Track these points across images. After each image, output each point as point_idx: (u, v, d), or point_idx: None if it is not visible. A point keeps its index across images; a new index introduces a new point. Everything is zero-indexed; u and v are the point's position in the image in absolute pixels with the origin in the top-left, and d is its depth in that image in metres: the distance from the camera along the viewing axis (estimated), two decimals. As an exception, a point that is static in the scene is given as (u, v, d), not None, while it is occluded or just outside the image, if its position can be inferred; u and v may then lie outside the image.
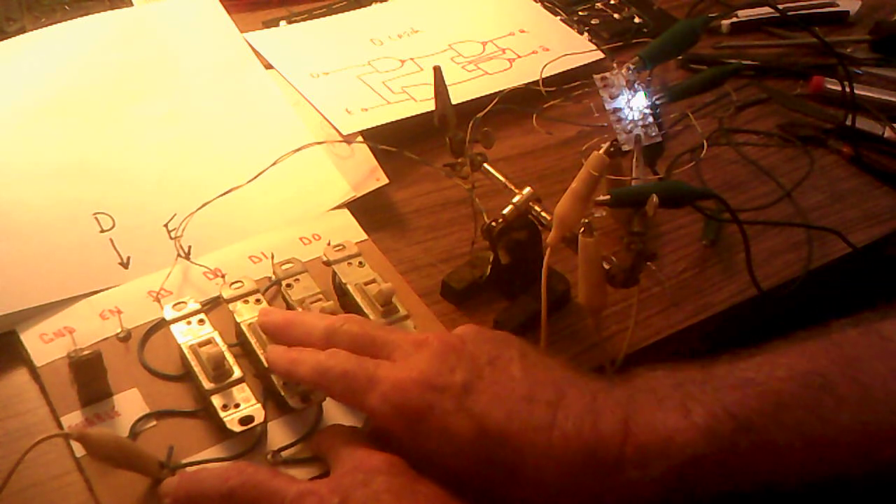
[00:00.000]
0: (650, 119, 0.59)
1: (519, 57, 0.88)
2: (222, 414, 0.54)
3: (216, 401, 0.54)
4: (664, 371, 0.47)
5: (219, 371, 0.55)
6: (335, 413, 0.56)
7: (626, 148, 0.59)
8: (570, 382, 0.47)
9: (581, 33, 0.93)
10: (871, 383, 0.43)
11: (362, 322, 0.54)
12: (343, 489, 0.46)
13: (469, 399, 0.46)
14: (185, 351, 0.57)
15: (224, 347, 0.56)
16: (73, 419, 0.55)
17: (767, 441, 0.43)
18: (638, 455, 0.44)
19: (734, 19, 0.96)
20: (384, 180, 0.72)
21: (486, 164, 0.65)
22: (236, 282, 0.61)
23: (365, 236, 0.69)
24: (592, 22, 0.95)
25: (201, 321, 0.59)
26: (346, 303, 0.62)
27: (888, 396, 0.43)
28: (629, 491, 0.44)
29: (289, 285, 0.61)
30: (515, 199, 0.62)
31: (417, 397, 0.46)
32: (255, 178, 0.67)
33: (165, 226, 0.67)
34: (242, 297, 0.60)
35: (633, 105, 0.59)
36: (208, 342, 0.57)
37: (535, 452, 0.45)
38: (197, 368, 0.55)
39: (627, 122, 0.59)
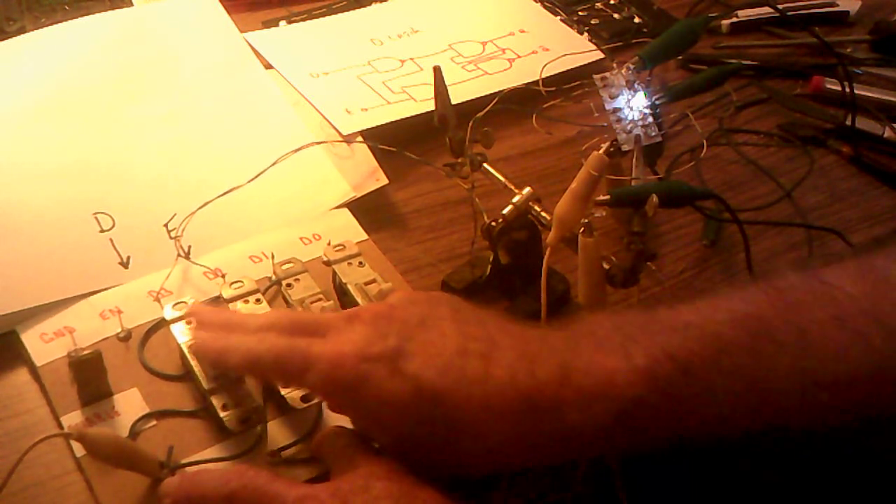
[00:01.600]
0: (650, 119, 0.59)
1: (519, 57, 0.88)
2: (222, 414, 0.54)
3: (216, 401, 0.54)
4: (604, 315, 0.47)
5: (219, 371, 0.55)
6: (335, 413, 0.56)
7: (626, 148, 0.59)
8: (503, 332, 0.47)
9: (581, 33, 0.93)
10: (810, 329, 0.43)
11: (295, 312, 0.54)
12: (342, 494, 0.46)
13: (402, 362, 0.46)
14: (186, 351, 0.56)
15: (224, 347, 0.56)
16: (73, 419, 0.55)
17: (707, 384, 0.42)
18: (577, 398, 0.43)
19: (734, 19, 0.96)
20: (384, 181, 0.72)
21: (486, 164, 0.65)
22: (236, 281, 0.61)
23: (365, 236, 0.69)
24: (592, 22, 0.95)
25: (201, 321, 0.59)
26: (347, 303, 0.62)
27: (826, 343, 0.42)
28: (571, 434, 0.44)
29: (289, 285, 0.61)
30: (515, 199, 0.62)
31: (353, 369, 0.46)
32: (256, 178, 0.67)
33: (165, 226, 0.67)
34: (242, 296, 0.60)
35: (633, 105, 0.59)
36: (208, 342, 0.57)
37: (472, 405, 0.44)
38: (197, 368, 0.55)
39: (627, 122, 0.59)
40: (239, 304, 0.59)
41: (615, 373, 0.43)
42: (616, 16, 0.97)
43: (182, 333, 0.57)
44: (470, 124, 0.64)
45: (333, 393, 0.48)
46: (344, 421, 0.55)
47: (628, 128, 0.59)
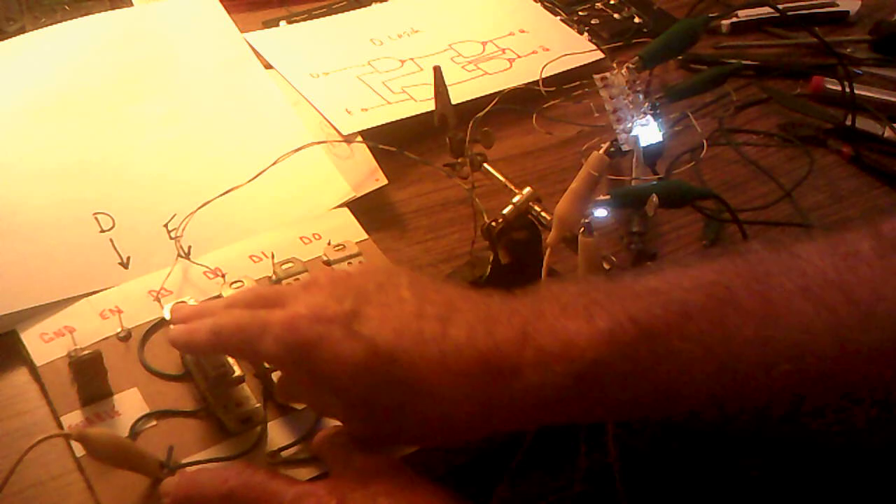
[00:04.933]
0: (650, 119, 0.59)
1: (519, 57, 0.88)
2: (222, 414, 0.54)
3: (216, 401, 0.54)
4: (570, 282, 0.47)
5: (219, 371, 0.55)
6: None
7: (626, 148, 0.59)
8: (463, 297, 0.47)
9: (581, 33, 0.93)
10: (776, 299, 0.42)
11: (259, 287, 0.55)
12: (341, 491, 0.46)
13: (357, 323, 0.46)
14: (185, 351, 0.57)
15: (224, 347, 0.56)
16: (73, 419, 0.55)
17: (669, 349, 0.42)
18: (537, 358, 0.43)
19: (734, 19, 0.96)
20: (383, 181, 0.72)
21: (486, 164, 0.65)
22: (236, 281, 0.61)
23: (365, 236, 0.69)
24: (592, 22, 0.95)
25: (201, 321, 0.59)
26: (346, 303, 0.62)
27: (791, 313, 0.42)
28: (529, 396, 0.43)
29: (289, 285, 0.61)
30: (515, 199, 0.62)
31: (307, 330, 0.46)
32: (255, 177, 0.67)
33: (165, 226, 0.67)
34: (242, 296, 0.60)
35: (633, 105, 0.59)
36: (208, 342, 0.57)
37: (428, 365, 0.44)
38: (197, 368, 0.56)
39: (627, 122, 0.59)
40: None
41: (577, 335, 0.43)
42: (616, 16, 0.97)
43: (182, 333, 0.58)
44: (470, 124, 0.64)
45: (289, 357, 0.47)
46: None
47: (628, 128, 0.59)
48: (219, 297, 0.61)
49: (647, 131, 0.59)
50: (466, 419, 0.45)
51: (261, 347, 0.48)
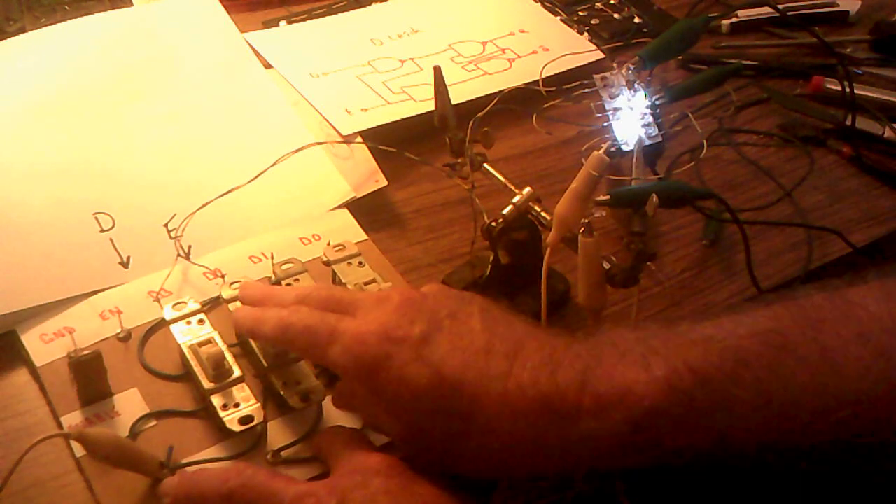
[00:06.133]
0: (650, 119, 0.59)
1: (519, 57, 0.88)
2: (222, 414, 0.54)
3: (216, 401, 0.54)
4: (627, 328, 0.47)
5: (218, 371, 0.55)
6: (335, 413, 0.56)
7: (626, 148, 0.59)
8: (531, 336, 0.47)
9: (581, 33, 0.93)
10: (832, 345, 0.43)
11: (331, 287, 0.55)
12: (341, 490, 0.46)
13: (427, 349, 0.46)
14: (185, 351, 0.57)
15: (224, 347, 0.56)
16: (73, 419, 0.55)
17: (725, 397, 0.43)
18: (595, 405, 0.43)
19: (734, 19, 0.96)
20: (383, 182, 0.72)
21: (486, 164, 0.65)
22: (236, 282, 0.61)
23: (365, 236, 0.69)
24: (592, 22, 0.95)
25: (201, 321, 0.59)
26: (346, 303, 0.62)
27: (848, 360, 0.42)
28: (586, 442, 0.44)
29: (289, 285, 0.61)
30: (515, 199, 0.62)
31: (376, 347, 0.47)
32: (256, 178, 0.67)
33: (165, 226, 0.67)
34: (242, 297, 0.60)
35: (633, 105, 0.59)
36: (208, 342, 0.57)
37: (490, 401, 0.45)
38: (197, 368, 0.56)
39: (627, 122, 0.59)
40: (239, 305, 0.59)
41: (634, 382, 0.43)
42: (616, 16, 0.97)
43: (182, 333, 0.58)
44: (470, 124, 0.64)
45: (354, 370, 0.48)
46: (344, 421, 0.55)
47: (628, 128, 0.59)
48: (218, 297, 0.61)
49: (647, 131, 0.59)
50: (520, 458, 0.46)
51: (327, 354, 0.49)
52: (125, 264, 0.65)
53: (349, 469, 0.48)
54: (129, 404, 0.56)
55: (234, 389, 0.55)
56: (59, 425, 0.54)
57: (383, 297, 0.50)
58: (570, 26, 0.94)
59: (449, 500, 0.46)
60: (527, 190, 0.62)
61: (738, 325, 0.44)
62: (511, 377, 0.45)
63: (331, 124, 0.77)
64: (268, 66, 0.83)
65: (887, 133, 0.81)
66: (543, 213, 0.61)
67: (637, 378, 0.43)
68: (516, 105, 0.71)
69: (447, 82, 0.66)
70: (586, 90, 0.66)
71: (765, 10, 0.96)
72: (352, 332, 0.48)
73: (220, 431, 0.54)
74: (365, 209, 0.71)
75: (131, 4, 0.88)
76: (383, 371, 0.46)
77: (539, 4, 0.97)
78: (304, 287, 0.57)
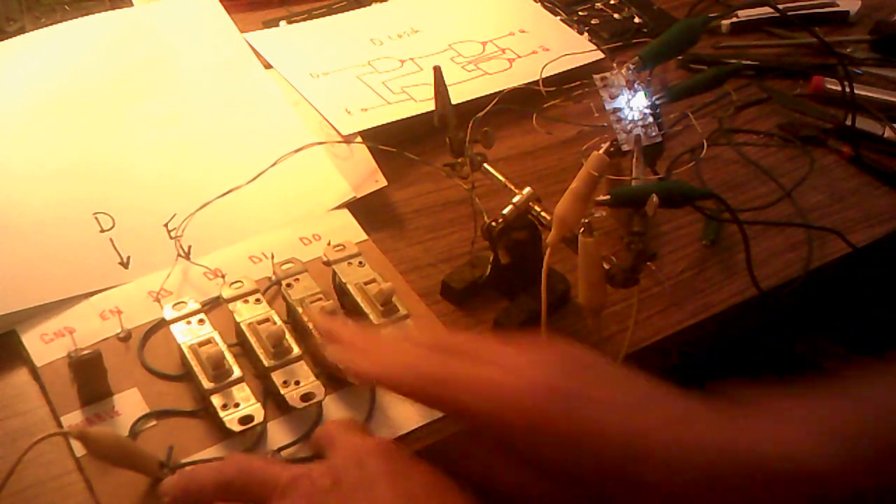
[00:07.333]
0: (650, 119, 0.59)
1: (519, 57, 0.88)
2: (222, 414, 0.54)
3: (216, 400, 0.54)
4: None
5: (218, 371, 0.55)
6: (335, 413, 0.56)
7: (626, 148, 0.59)
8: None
9: (581, 33, 0.93)
10: None
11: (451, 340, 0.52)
12: (336, 471, 0.46)
13: (576, 398, 0.44)
14: (185, 351, 0.57)
15: (224, 347, 0.56)
16: (73, 419, 0.55)
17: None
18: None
19: (734, 19, 0.96)
20: (383, 182, 0.72)
21: (486, 164, 0.65)
22: (236, 282, 0.61)
23: (365, 236, 0.69)
24: (592, 22, 0.95)
25: (201, 321, 0.59)
26: (346, 302, 0.62)
27: None
28: None
29: (289, 285, 0.61)
30: (515, 199, 0.62)
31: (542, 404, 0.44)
32: (256, 178, 0.67)
33: (165, 226, 0.67)
34: (242, 296, 0.60)
35: (633, 105, 0.59)
36: (208, 342, 0.57)
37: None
38: (197, 368, 0.56)
39: (627, 122, 0.59)
40: (238, 305, 0.59)
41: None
42: (616, 16, 0.97)
43: (182, 333, 0.58)
44: (470, 124, 0.64)
45: (489, 433, 0.47)
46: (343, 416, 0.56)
47: (628, 128, 0.59)
48: (219, 297, 0.61)
49: (647, 131, 0.59)
50: None
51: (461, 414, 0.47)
52: (125, 264, 0.65)
53: (345, 452, 0.48)
54: (129, 404, 0.56)
55: (234, 389, 0.55)
56: (60, 425, 0.54)
57: (523, 343, 0.47)
58: (570, 26, 0.94)
59: (445, 485, 0.46)
60: (527, 190, 0.62)
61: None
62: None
63: (331, 124, 0.77)
64: (268, 66, 0.83)
65: (887, 133, 0.81)
66: (543, 213, 0.61)
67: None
68: (516, 105, 0.71)
69: (447, 82, 0.66)
70: (586, 90, 0.66)
71: (765, 10, 0.96)
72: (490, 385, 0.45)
73: (220, 431, 0.54)
74: (365, 209, 0.71)
75: (131, 4, 0.88)
76: (526, 432, 0.44)
77: (539, 4, 0.97)
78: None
